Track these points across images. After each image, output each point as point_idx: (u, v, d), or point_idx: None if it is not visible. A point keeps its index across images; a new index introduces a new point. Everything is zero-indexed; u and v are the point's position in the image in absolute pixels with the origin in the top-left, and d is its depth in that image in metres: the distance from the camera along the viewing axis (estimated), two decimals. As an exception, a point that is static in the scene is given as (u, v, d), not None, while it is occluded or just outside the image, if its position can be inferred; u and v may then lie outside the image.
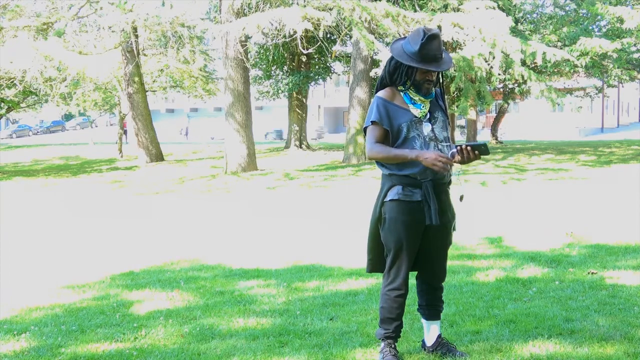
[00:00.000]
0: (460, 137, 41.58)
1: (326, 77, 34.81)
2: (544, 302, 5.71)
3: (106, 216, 13.56)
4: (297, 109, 31.63)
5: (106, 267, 8.11)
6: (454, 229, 4.52)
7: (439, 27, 17.59)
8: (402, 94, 4.37)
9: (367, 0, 20.18)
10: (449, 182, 4.47)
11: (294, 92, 31.16)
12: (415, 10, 20.32)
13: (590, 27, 24.62)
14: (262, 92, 33.45)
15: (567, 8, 27.13)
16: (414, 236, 4.34)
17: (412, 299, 4.83)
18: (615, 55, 23.62)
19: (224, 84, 21.92)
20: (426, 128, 4.34)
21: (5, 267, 8.36)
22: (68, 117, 69.98)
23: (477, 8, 18.07)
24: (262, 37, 22.54)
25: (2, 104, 31.46)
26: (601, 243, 8.24)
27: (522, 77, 18.51)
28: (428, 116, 4.37)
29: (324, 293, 6.39)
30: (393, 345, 4.50)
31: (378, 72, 19.39)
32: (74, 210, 14.78)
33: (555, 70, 27.61)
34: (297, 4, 17.60)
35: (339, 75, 38.24)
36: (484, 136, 41.97)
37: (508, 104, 35.02)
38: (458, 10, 18.99)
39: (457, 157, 4.28)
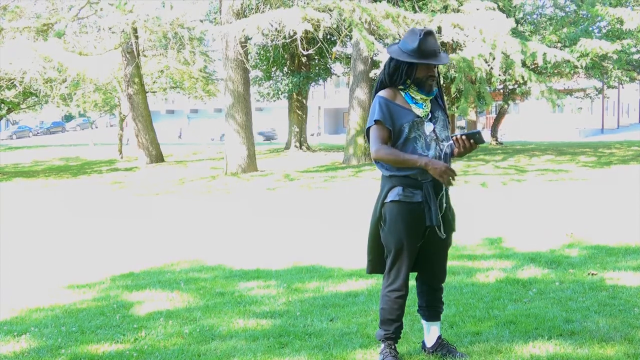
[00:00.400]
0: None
1: (326, 78, 34.80)
2: (544, 303, 5.71)
3: (106, 217, 13.56)
4: (297, 110, 31.63)
5: (106, 268, 8.11)
6: (453, 230, 4.51)
7: (439, 28, 17.61)
8: (403, 94, 4.37)
9: (367, 1, 20.20)
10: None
11: (294, 93, 31.15)
12: (416, 11, 20.32)
13: (591, 28, 24.65)
14: (262, 93, 33.45)
15: (567, 9, 27.14)
16: (414, 237, 4.33)
17: (412, 300, 4.83)
18: (615, 57, 23.63)
19: (224, 85, 21.92)
20: (428, 128, 4.34)
21: (5, 268, 8.36)
22: (68, 118, 69.99)
23: (477, 9, 18.08)
24: (262, 38, 22.51)
25: (2, 105, 31.46)
26: (601, 244, 8.24)
27: (522, 78, 18.51)
28: (430, 116, 4.38)
29: (324, 294, 6.38)
30: (393, 347, 4.50)
31: (378, 73, 19.38)
32: (74, 211, 14.78)
33: (556, 71, 27.59)
34: (297, 5, 17.59)
35: (338, 76, 38.22)
36: (484, 137, 41.91)
37: (508, 105, 35.00)
38: (458, 11, 18.99)
39: (455, 151, 4.37)
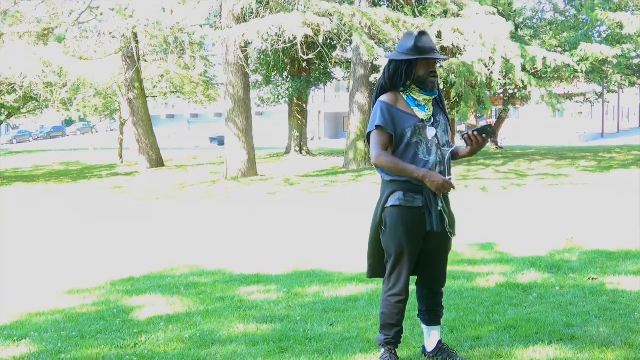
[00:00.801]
0: (459, 143, 41.59)
1: (326, 82, 34.81)
2: (544, 307, 5.71)
3: (106, 222, 13.55)
4: (297, 115, 31.64)
5: (106, 272, 8.10)
6: (453, 235, 4.51)
7: (439, 32, 17.63)
8: (404, 96, 4.36)
9: (367, 5, 20.23)
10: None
11: (294, 98, 31.17)
12: (416, 16, 20.35)
13: (590, 33, 24.66)
14: (262, 98, 33.47)
15: (567, 13, 27.17)
16: (415, 242, 4.33)
17: (413, 304, 4.83)
18: (615, 61, 23.66)
19: (224, 90, 21.93)
20: (430, 132, 4.33)
21: (5, 273, 8.35)
22: (68, 122, 69.95)
23: (477, 13, 18.10)
24: (262, 42, 22.56)
25: (3, 109, 31.48)
26: (601, 249, 8.23)
27: (522, 82, 18.52)
28: (432, 120, 4.37)
29: (324, 299, 6.38)
30: (394, 351, 4.50)
31: (378, 77, 19.40)
32: (74, 216, 14.77)
33: (556, 75, 27.61)
34: (297, 9, 17.60)
35: (339, 80, 38.23)
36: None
37: (508, 109, 35.01)
38: (458, 15, 19.01)
39: (466, 152, 4.38)
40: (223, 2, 19.69)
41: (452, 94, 19.44)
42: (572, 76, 27.61)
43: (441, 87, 4.62)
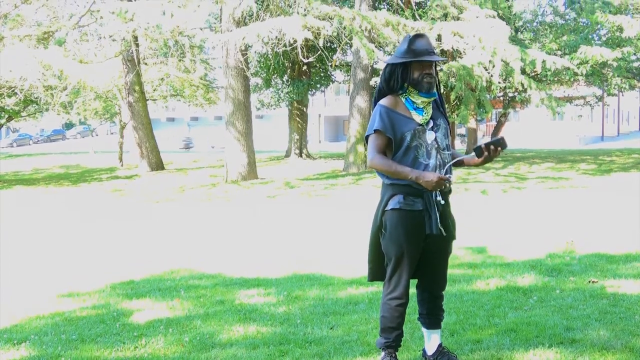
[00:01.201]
0: (460, 146, 41.61)
1: (328, 85, 34.82)
2: (544, 311, 5.70)
3: (106, 225, 13.55)
4: (297, 118, 31.65)
5: (106, 275, 8.11)
6: (454, 238, 4.50)
7: (439, 35, 17.64)
8: (403, 99, 4.36)
9: (367, 9, 20.24)
10: (450, 191, 4.46)
11: (295, 101, 31.19)
12: (416, 19, 20.37)
13: (590, 36, 24.68)
14: (262, 101, 33.48)
15: (567, 17, 27.20)
16: (415, 245, 4.33)
17: (413, 307, 4.82)
18: (615, 64, 23.67)
19: (224, 93, 21.95)
20: (430, 136, 4.33)
21: (5, 276, 8.35)
22: (69, 125, 70.03)
23: (477, 17, 18.12)
24: (262, 46, 22.56)
25: (3, 112, 31.48)
26: (602, 252, 8.23)
27: (522, 85, 18.54)
28: (432, 124, 4.37)
29: (325, 302, 6.38)
30: (394, 355, 4.50)
31: (378, 81, 19.41)
32: (74, 219, 14.77)
33: (555, 78, 27.64)
34: (298, 13, 17.61)
35: (339, 83, 38.27)
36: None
37: (508, 112, 35.04)
38: (458, 19, 19.03)
39: (477, 159, 4.34)
40: (223, 6, 19.70)
41: (452, 97, 19.47)
42: (572, 79, 27.65)
43: (441, 90, 4.60)
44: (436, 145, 4.33)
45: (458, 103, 23.17)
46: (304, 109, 32.22)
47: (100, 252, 10.13)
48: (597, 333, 4.99)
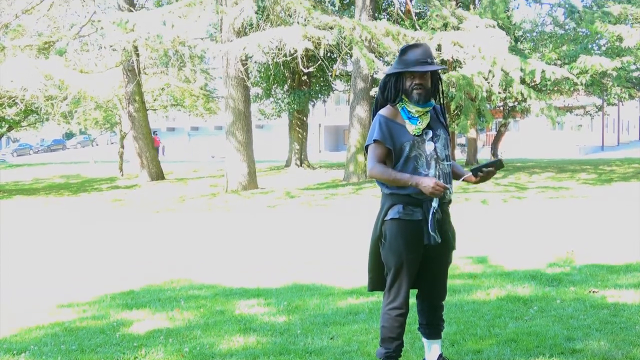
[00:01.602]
0: (460, 156, 41.62)
1: (328, 94, 34.86)
2: (545, 321, 5.69)
3: (106, 235, 13.54)
4: (297, 128, 31.69)
5: (106, 286, 8.10)
6: (454, 248, 4.50)
7: (439, 45, 17.68)
8: (400, 110, 4.37)
9: (367, 19, 20.29)
10: (450, 202, 4.46)
11: (295, 111, 31.22)
12: (416, 29, 20.42)
13: (590, 46, 24.74)
14: (262, 111, 33.51)
15: (566, 27, 27.25)
16: (415, 255, 4.32)
17: (413, 317, 4.82)
18: (614, 74, 23.72)
19: (224, 103, 21.97)
20: (429, 147, 4.32)
21: (5, 286, 8.34)
22: (69, 135, 70.10)
23: (476, 27, 18.17)
24: (262, 56, 22.61)
25: (3, 122, 31.52)
26: (602, 262, 8.23)
27: (522, 95, 18.58)
28: (431, 135, 4.36)
29: (325, 312, 6.37)
30: (394, 365, 4.49)
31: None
32: (74, 229, 14.76)
33: (555, 88, 27.70)
34: (298, 23, 17.66)
35: (340, 92, 38.31)
36: (483, 154, 41.95)
37: (508, 122, 35.08)
38: (458, 28, 19.08)
39: (473, 178, 4.44)
40: (224, 16, 19.75)
41: (452, 106, 19.50)
42: (571, 89, 27.70)
43: (442, 100, 4.60)
44: (435, 156, 4.33)
45: (458, 113, 23.21)
46: (305, 119, 32.27)
47: (100, 262, 10.12)
48: (598, 343, 4.98)
